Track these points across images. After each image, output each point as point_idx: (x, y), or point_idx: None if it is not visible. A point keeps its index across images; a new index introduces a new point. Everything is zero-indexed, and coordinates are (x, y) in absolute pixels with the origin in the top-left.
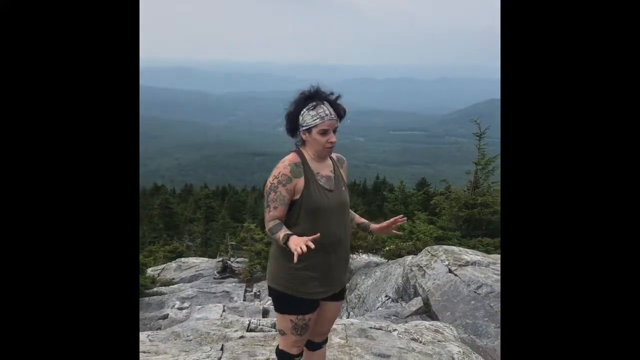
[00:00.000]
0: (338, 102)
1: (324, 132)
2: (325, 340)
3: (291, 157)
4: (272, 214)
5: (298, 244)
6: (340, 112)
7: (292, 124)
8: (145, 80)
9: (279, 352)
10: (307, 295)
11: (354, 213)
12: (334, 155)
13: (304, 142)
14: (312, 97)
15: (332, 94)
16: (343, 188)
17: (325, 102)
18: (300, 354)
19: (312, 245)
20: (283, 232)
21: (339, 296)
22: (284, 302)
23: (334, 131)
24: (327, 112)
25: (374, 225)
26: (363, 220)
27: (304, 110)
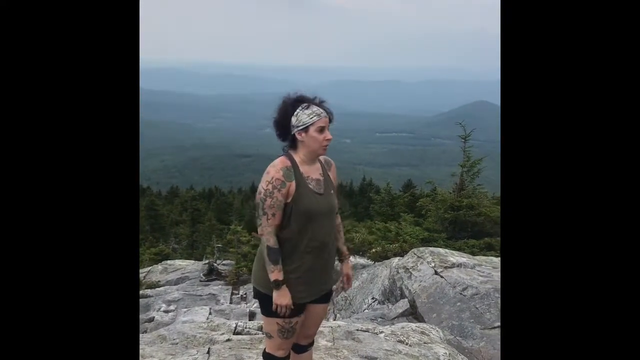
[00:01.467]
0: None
1: (321, 130)
2: (312, 343)
3: (282, 161)
4: (271, 222)
5: (282, 304)
6: (329, 113)
7: (284, 128)
8: None
9: (265, 355)
10: (293, 298)
11: (341, 234)
12: (321, 157)
13: (293, 146)
14: (301, 99)
15: (315, 97)
16: (332, 191)
17: (313, 104)
18: (287, 357)
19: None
20: (277, 273)
21: (325, 298)
22: (270, 305)
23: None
24: (321, 110)
25: (344, 265)
26: (344, 248)
27: (298, 110)
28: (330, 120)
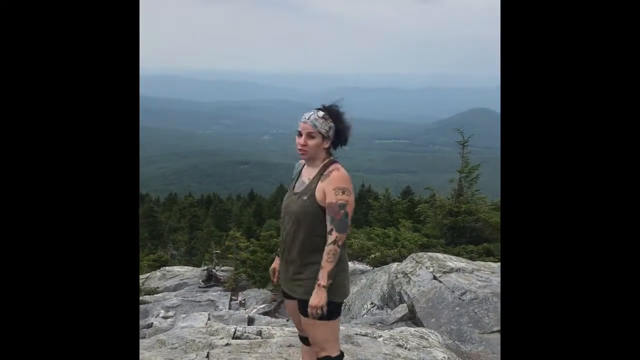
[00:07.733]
0: (334, 118)
1: (298, 134)
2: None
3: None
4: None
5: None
6: (322, 123)
7: None
8: None
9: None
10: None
11: (325, 256)
12: (332, 167)
13: None
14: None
15: (333, 105)
16: (305, 197)
17: (322, 111)
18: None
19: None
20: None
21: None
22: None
23: (308, 136)
24: (307, 115)
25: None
26: (320, 274)
27: None
28: (314, 131)
